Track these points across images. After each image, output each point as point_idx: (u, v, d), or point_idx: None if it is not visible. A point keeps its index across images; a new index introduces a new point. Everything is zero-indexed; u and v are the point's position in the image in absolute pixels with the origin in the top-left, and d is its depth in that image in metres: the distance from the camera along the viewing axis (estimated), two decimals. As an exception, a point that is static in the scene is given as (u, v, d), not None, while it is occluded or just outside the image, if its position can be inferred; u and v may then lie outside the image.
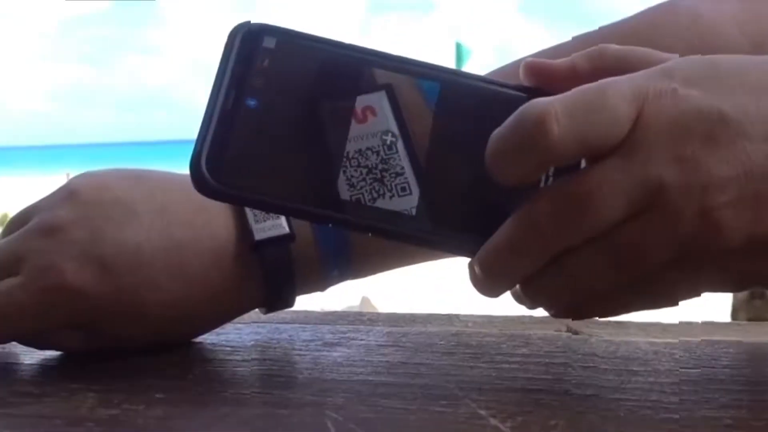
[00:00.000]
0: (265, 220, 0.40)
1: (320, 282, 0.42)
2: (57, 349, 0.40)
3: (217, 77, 0.32)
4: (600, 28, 0.47)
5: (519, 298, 0.33)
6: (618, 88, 0.30)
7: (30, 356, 0.40)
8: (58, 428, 0.31)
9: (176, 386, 0.35)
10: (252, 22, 0.33)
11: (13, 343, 0.40)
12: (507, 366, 0.36)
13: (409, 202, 0.32)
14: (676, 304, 0.32)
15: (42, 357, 0.40)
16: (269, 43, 0.32)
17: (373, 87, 0.33)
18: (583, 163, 0.31)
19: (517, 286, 0.32)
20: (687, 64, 0.31)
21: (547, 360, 0.37)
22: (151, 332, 0.39)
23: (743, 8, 0.47)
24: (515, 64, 0.47)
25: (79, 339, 0.39)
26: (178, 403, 0.33)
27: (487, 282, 0.31)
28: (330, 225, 0.32)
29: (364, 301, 4.03)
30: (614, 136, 0.29)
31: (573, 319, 0.36)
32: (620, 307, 0.32)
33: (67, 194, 0.39)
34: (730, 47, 0.46)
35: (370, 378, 0.35)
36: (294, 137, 0.32)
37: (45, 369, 0.39)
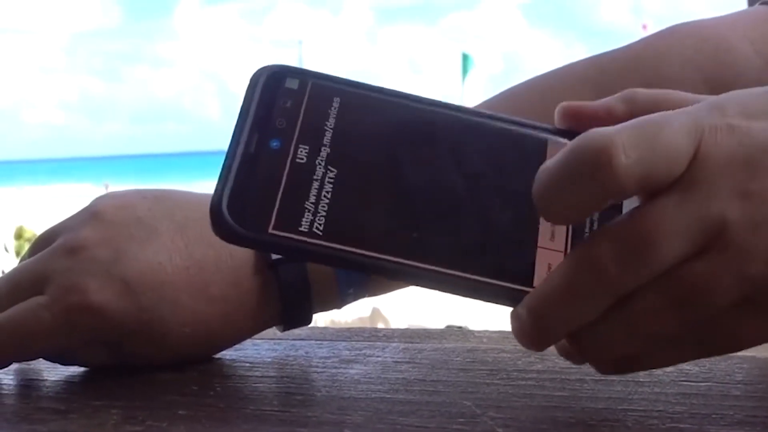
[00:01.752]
0: None
1: (336, 300, 0.43)
2: (81, 365, 0.41)
3: (238, 121, 0.31)
4: (599, 57, 0.48)
5: (566, 353, 0.31)
6: (678, 121, 0.29)
7: (54, 372, 0.41)
8: (83, 445, 0.31)
9: (198, 402, 0.36)
10: (274, 64, 0.33)
11: (38, 359, 0.40)
12: (523, 383, 0.36)
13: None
14: (740, 350, 0.30)
15: (66, 373, 0.41)
16: (292, 84, 0.32)
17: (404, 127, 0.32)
18: (625, 205, 0.30)
19: (564, 340, 0.30)
20: (740, 97, 0.30)
21: (562, 376, 0.37)
22: (172, 349, 0.39)
23: (754, 26, 0.48)
24: (522, 88, 0.47)
25: (103, 355, 0.39)
26: (200, 419, 0.33)
27: (538, 332, 0.29)
28: (365, 270, 0.31)
29: (375, 312, 4.03)
30: (675, 170, 0.28)
31: (623, 374, 0.34)
32: (679, 356, 0.31)
33: (91, 215, 0.39)
34: (744, 65, 0.46)
35: (388, 396, 0.35)
36: (321, 178, 0.31)
37: (69, 385, 0.39)
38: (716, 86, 0.45)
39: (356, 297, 0.44)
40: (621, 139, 0.27)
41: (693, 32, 0.47)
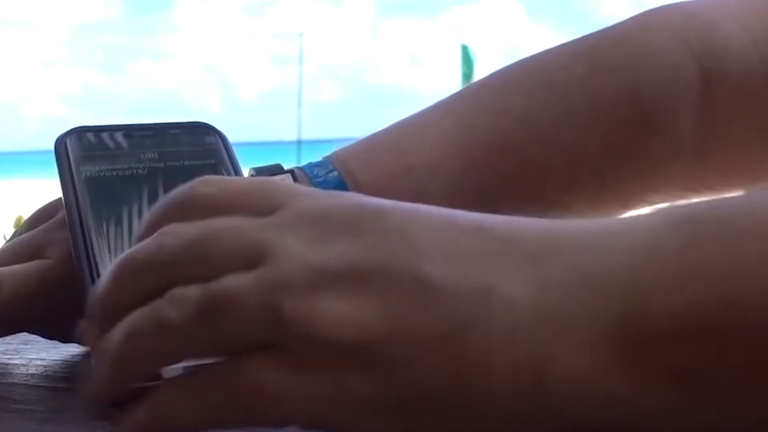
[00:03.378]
0: None
1: None
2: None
3: None
4: (590, 35, 0.47)
5: None
6: None
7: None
8: None
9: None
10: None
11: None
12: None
13: None
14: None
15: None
16: None
17: None
18: None
19: None
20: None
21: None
22: None
23: (740, 6, 0.47)
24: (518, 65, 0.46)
25: None
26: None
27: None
28: None
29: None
30: None
31: None
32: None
33: None
34: (731, 38, 0.46)
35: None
36: None
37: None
38: (705, 58, 0.45)
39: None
40: None
41: (679, 9, 0.48)
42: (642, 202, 0.47)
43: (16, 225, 2.90)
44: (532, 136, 0.43)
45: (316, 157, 0.45)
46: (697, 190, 0.48)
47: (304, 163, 0.44)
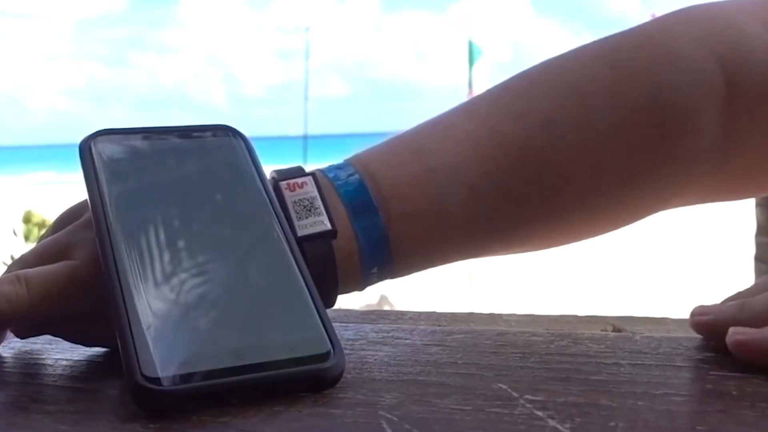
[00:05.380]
0: (306, 217, 0.40)
1: (359, 280, 0.42)
2: (103, 343, 0.40)
3: None
4: (611, 37, 0.47)
5: None
6: None
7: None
8: None
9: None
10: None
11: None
12: (557, 366, 0.35)
13: None
14: None
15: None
16: None
17: None
18: None
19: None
20: None
21: (597, 360, 0.36)
22: None
23: (762, 6, 0.47)
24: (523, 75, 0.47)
25: None
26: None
27: None
28: None
29: (383, 299, 4.03)
30: None
31: None
32: None
33: None
34: (754, 42, 0.45)
35: (420, 378, 0.35)
36: None
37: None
38: (728, 62, 0.45)
39: (379, 277, 0.43)
40: None
41: (702, 12, 0.47)
42: (663, 206, 0.47)
43: (25, 219, 2.90)
44: (555, 139, 0.43)
45: (335, 159, 0.45)
46: (717, 195, 0.48)
47: (324, 165, 0.45)
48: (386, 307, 3.43)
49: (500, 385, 0.33)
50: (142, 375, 0.30)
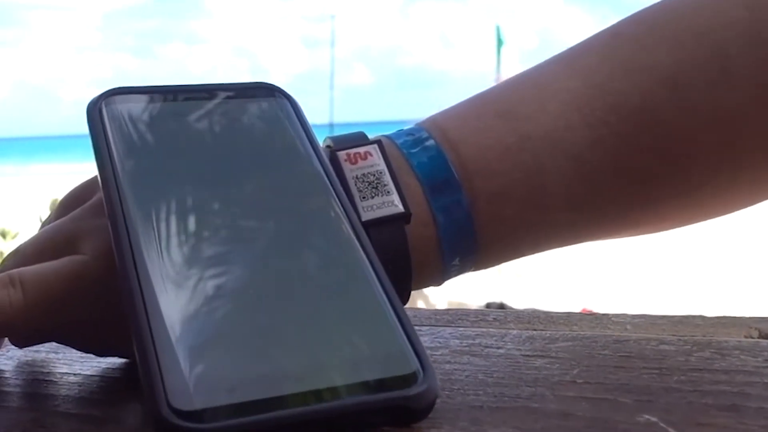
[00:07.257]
0: (372, 197, 0.32)
1: (438, 273, 0.34)
2: (120, 352, 0.32)
3: None
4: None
5: None
6: None
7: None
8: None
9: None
10: None
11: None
12: (713, 388, 0.27)
13: None
14: None
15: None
16: None
17: None
18: None
19: None
20: None
21: (763, 379, 0.28)
22: None
23: None
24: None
25: None
26: None
27: None
28: None
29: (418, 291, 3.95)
30: None
31: None
32: None
33: None
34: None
35: (534, 404, 0.26)
36: None
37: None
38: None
39: (461, 270, 0.35)
40: None
41: None
42: None
43: (52, 207, 2.86)
44: (681, 101, 0.35)
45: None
46: None
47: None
48: (419, 301, 3.31)
49: (647, 416, 0.25)
50: (170, 407, 0.22)
